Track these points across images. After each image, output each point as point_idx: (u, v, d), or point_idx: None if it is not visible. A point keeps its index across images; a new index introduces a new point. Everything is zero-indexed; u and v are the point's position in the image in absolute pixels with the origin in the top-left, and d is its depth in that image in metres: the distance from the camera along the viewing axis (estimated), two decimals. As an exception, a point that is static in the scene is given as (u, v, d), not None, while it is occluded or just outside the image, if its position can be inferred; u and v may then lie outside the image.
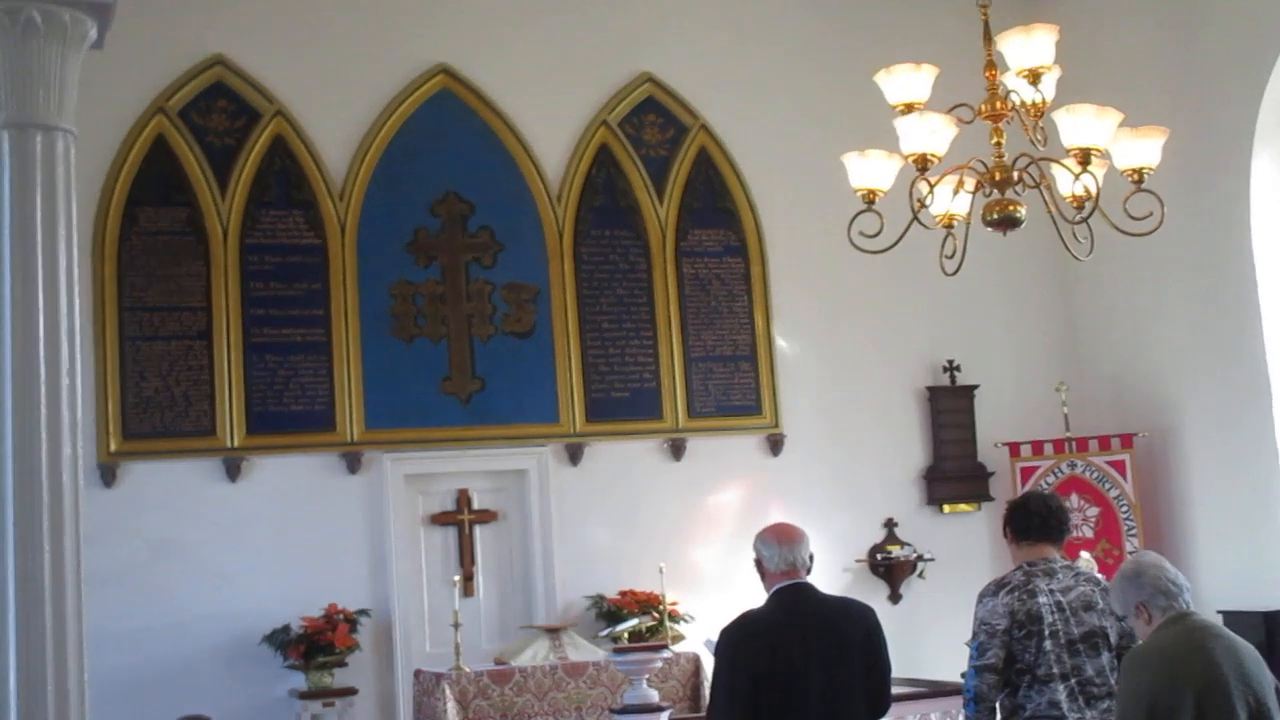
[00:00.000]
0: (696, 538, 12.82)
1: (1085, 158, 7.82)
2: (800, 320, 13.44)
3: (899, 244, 8.17)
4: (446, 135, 12.68)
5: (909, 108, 7.95)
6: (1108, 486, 12.99)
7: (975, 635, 6.90)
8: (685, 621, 12.21)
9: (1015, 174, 8.17)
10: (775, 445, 13.22)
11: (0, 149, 5.25)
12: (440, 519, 12.44)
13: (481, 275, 12.61)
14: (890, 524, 13.44)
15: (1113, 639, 6.80)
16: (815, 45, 13.59)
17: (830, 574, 12.46)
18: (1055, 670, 6.73)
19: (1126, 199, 8.00)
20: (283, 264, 12.13)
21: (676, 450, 12.95)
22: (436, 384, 12.38)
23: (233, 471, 11.81)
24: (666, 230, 13.11)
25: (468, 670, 10.85)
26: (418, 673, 11.37)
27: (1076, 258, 8.36)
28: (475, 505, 12.54)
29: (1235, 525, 12.46)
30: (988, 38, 8.30)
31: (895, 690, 7.41)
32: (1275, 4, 12.01)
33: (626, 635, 11.67)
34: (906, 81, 7.97)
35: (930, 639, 12.30)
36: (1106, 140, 7.93)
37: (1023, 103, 7.97)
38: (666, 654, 10.35)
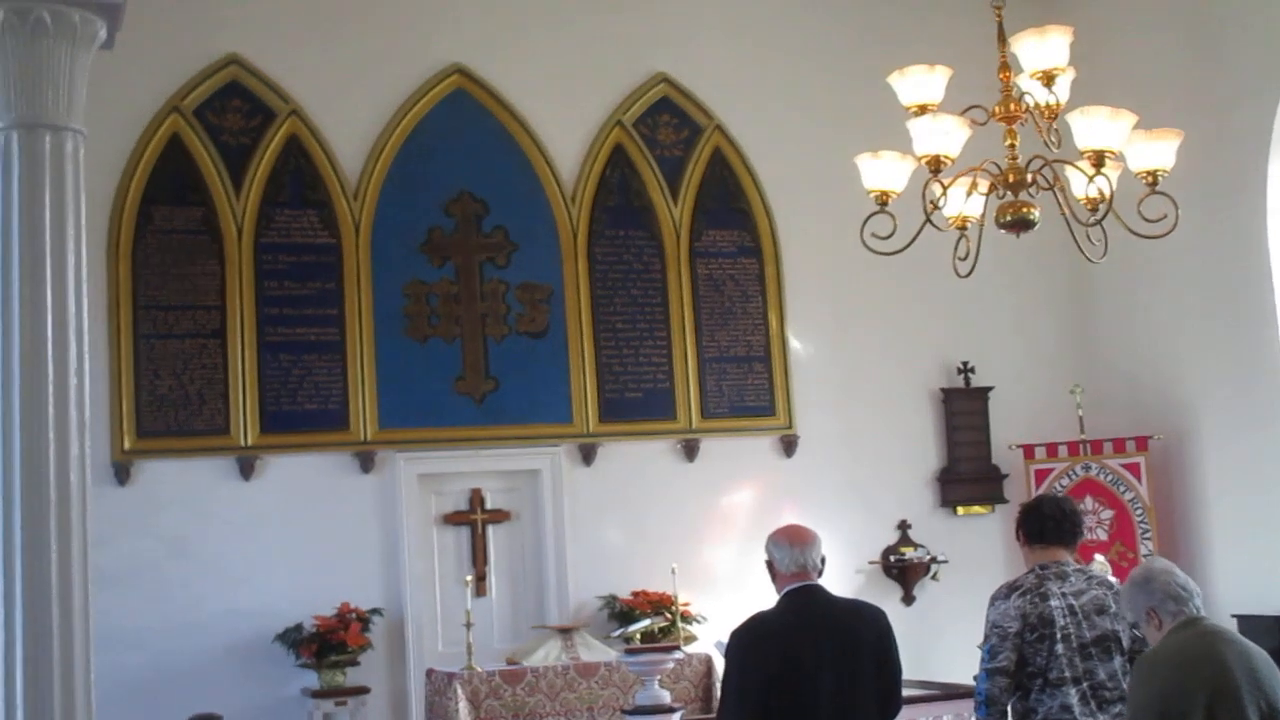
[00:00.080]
0: (709, 539, 12.81)
1: (1099, 160, 7.80)
2: (814, 321, 13.42)
3: (913, 245, 8.17)
4: (461, 135, 12.69)
5: (922, 109, 7.94)
6: (1122, 489, 12.96)
7: (987, 638, 6.88)
8: (698, 622, 12.21)
9: (1029, 176, 8.15)
10: (789, 446, 13.21)
11: (9, 149, 5.26)
12: (453, 519, 12.45)
13: (495, 275, 12.62)
14: (904, 526, 13.42)
15: (1125, 643, 6.77)
16: (830, 46, 13.58)
17: (843, 575, 12.44)
18: (1067, 674, 6.71)
19: (1141, 201, 7.97)
20: (297, 263, 12.14)
21: (690, 451, 12.94)
22: (450, 384, 12.38)
23: (246, 470, 11.82)
24: (681, 231, 13.10)
25: (480, 670, 10.85)
26: (430, 672, 11.37)
27: (1090, 260, 8.33)
28: (488, 505, 12.54)
29: (1250, 529, 12.43)
30: (1002, 39, 8.28)
31: (908, 692, 7.41)
32: (1292, 6, 12.00)
33: (638, 636, 11.66)
34: (920, 83, 7.96)
35: (944, 641, 12.29)
36: (1120, 142, 7.91)
37: (1036, 104, 7.95)
38: (678, 655, 10.35)
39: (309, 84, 12.34)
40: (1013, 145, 8.21)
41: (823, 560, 6.46)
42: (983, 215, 8.43)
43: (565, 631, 11.68)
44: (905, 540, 13.37)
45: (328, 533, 11.93)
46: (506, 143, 12.80)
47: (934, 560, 13.27)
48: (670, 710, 9.85)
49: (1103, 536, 12.87)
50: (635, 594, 12.30)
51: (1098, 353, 13.96)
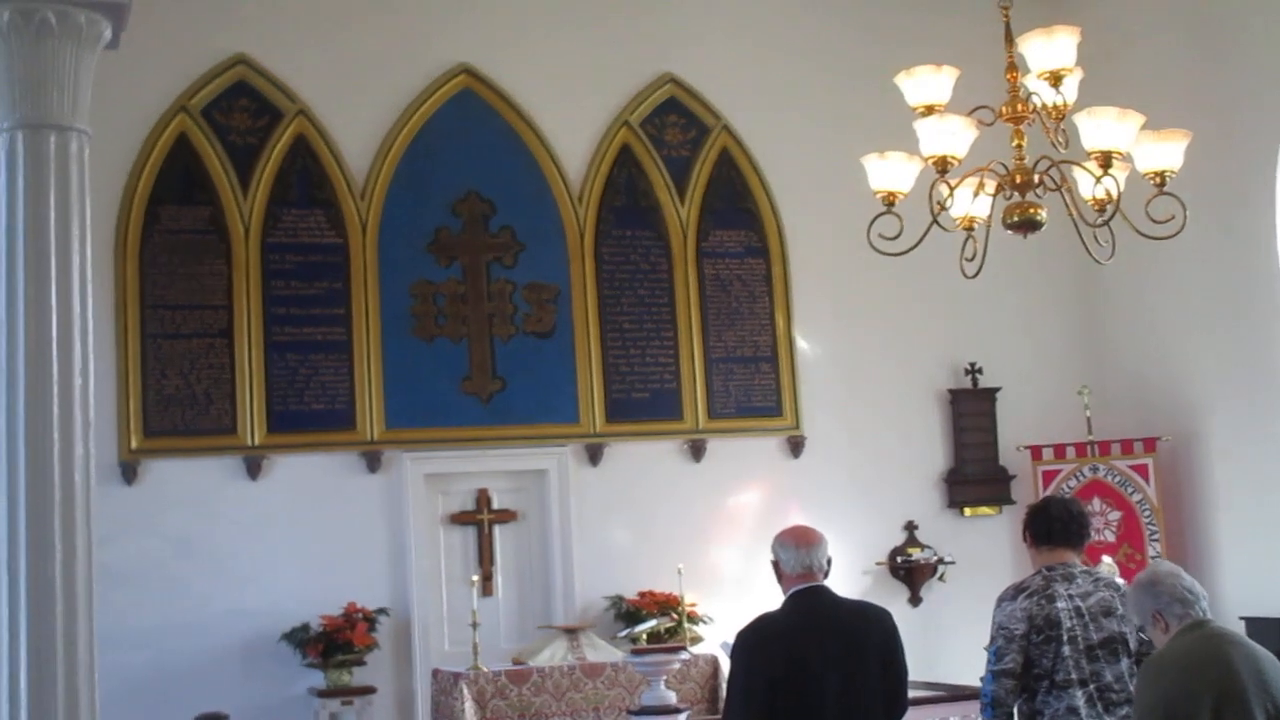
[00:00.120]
0: (716, 539, 12.81)
1: (1106, 161, 7.79)
2: (821, 322, 13.42)
3: (920, 246, 8.16)
4: (468, 135, 12.69)
5: (929, 109, 7.94)
6: (1130, 491, 12.95)
7: (993, 640, 6.87)
8: (704, 623, 12.21)
9: (1036, 177, 8.14)
10: (795, 447, 13.21)
11: (15, 149, 5.26)
12: (460, 518, 12.46)
13: (502, 275, 12.62)
14: (911, 527, 13.41)
15: (1132, 645, 6.76)
16: (837, 46, 13.56)
17: (850, 576, 12.45)
18: (1074, 676, 6.69)
19: (1148, 202, 7.97)
20: (304, 263, 12.15)
21: (696, 451, 12.94)
22: (457, 384, 12.39)
23: (253, 470, 11.82)
24: (688, 231, 13.10)
25: (486, 670, 10.84)
26: (436, 672, 11.36)
27: (1097, 261, 8.32)
28: (495, 505, 12.55)
29: (1258, 530, 12.41)
30: (1009, 39, 8.27)
31: (914, 694, 7.39)
32: (1301, 6, 11.99)
33: (645, 636, 11.64)
34: (927, 83, 7.95)
35: (950, 642, 12.28)
36: (1128, 143, 7.90)
37: (1044, 105, 7.94)
38: (684, 655, 10.34)
39: (316, 84, 12.35)
40: (1020, 146, 8.20)
41: (829, 561, 6.44)
42: (990, 216, 8.41)
43: (571, 632, 11.66)
44: (912, 541, 13.36)
45: (334, 532, 11.94)
46: (514, 143, 12.80)
47: (941, 561, 13.26)
48: (676, 711, 9.84)
49: (1110, 538, 12.86)
50: (642, 594, 12.30)
51: (1106, 354, 13.95)
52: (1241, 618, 11.56)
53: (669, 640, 11.59)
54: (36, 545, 5.10)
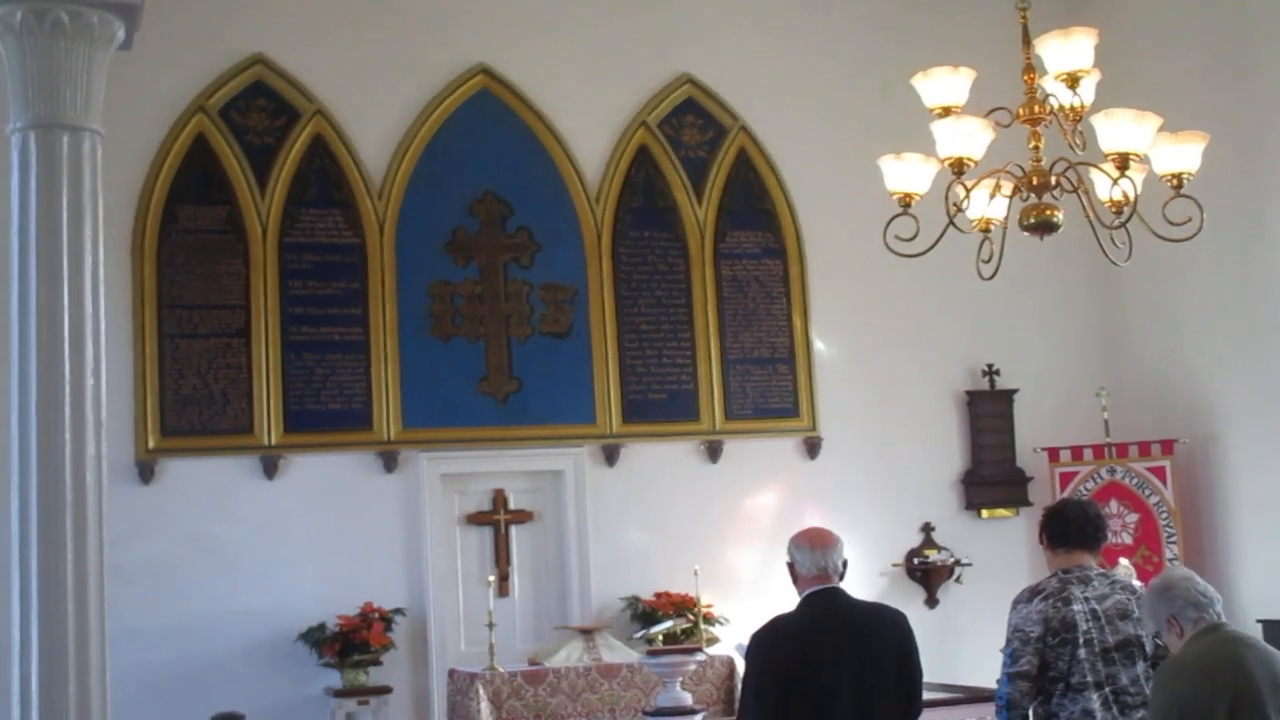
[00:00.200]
0: (732, 540, 12.79)
1: (1123, 163, 7.77)
2: (839, 323, 13.40)
3: (938, 248, 8.15)
4: (485, 135, 12.69)
5: (946, 111, 7.92)
6: (1147, 493, 12.92)
7: (1009, 642, 6.86)
8: (720, 624, 12.21)
9: (1053, 178, 8.13)
10: (812, 448, 13.20)
11: (27, 149, 5.27)
12: (476, 519, 12.46)
13: (519, 275, 12.62)
14: (928, 528, 13.39)
15: (1148, 648, 6.75)
16: (854, 48, 13.55)
17: (867, 578, 12.44)
18: (1089, 678, 6.69)
19: (1165, 204, 7.95)
20: (321, 263, 12.15)
21: (713, 452, 12.93)
22: (473, 384, 12.39)
23: (270, 469, 11.83)
24: (705, 231, 13.09)
25: (502, 670, 10.84)
26: (452, 672, 11.36)
27: (1114, 263, 8.30)
28: (511, 505, 12.55)
29: (1275, 533, 12.38)
30: (1026, 41, 8.25)
31: (931, 695, 7.38)
32: (1320, 8, 11.96)
33: (661, 637, 11.64)
34: (944, 84, 7.94)
35: (967, 644, 12.27)
36: (1145, 145, 7.87)
37: (1061, 106, 7.93)
38: (700, 657, 10.33)
39: (334, 84, 12.36)
40: (1037, 147, 8.18)
41: (844, 564, 6.44)
42: (1006, 218, 8.39)
43: (587, 632, 11.66)
44: (929, 543, 13.34)
45: (351, 532, 11.94)
46: (531, 143, 12.80)
47: (958, 563, 13.24)
48: (692, 712, 9.83)
49: (1128, 540, 12.83)
50: (658, 595, 12.30)
51: (1123, 356, 13.92)
52: (1259, 620, 11.54)
53: (685, 641, 11.59)
54: (48, 545, 5.10)
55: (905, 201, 8.16)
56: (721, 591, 12.33)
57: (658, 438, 12.81)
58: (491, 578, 11.82)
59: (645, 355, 12.82)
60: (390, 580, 11.95)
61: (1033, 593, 6.88)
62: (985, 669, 10.14)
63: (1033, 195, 8.15)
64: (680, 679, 9.97)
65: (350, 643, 11.41)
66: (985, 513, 13.59)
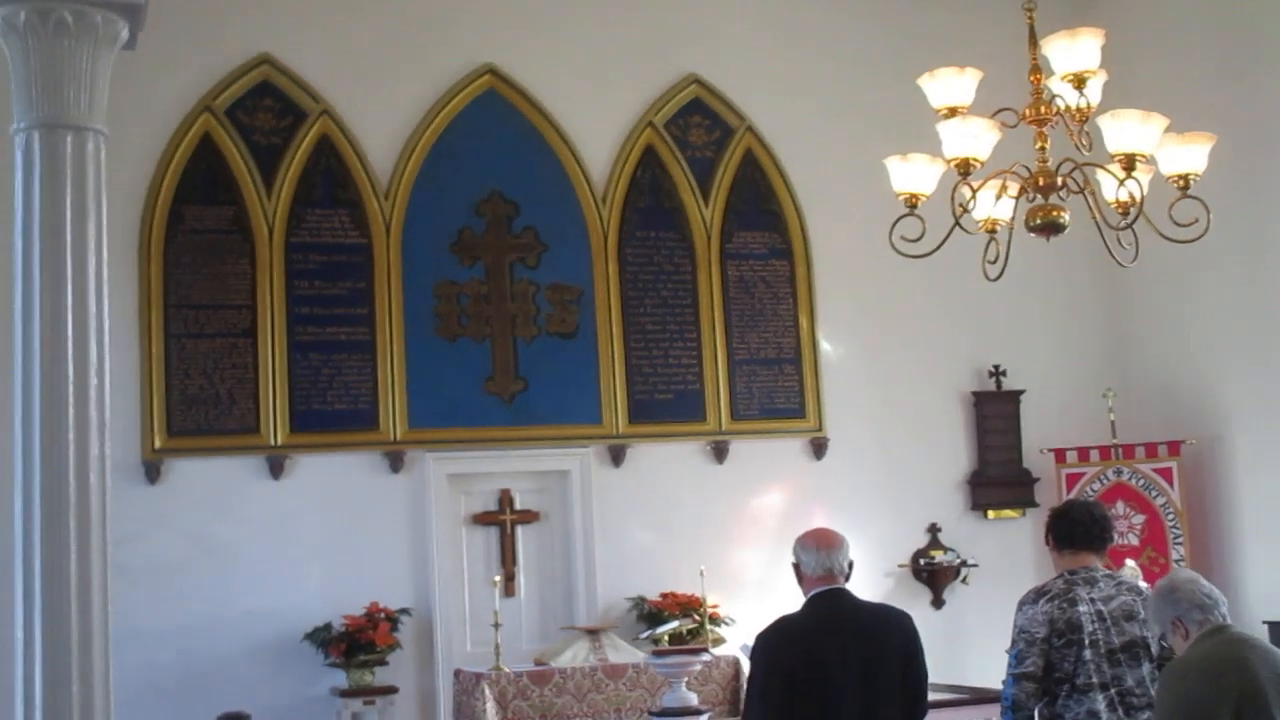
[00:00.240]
0: (738, 541, 12.79)
1: (1130, 163, 7.76)
2: (845, 323, 13.40)
3: (945, 248, 8.14)
4: (492, 135, 12.68)
5: (952, 111, 7.92)
6: (1154, 494, 12.91)
7: (1014, 643, 6.86)
8: (726, 624, 12.19)
9: (1059, 179, 8.12)
10: (819, 449, 13.19)
11: (31, 149, 5.26)
12: (482, 519, 12.45)
13: (525, 275, 12.62)
14: (934, 529, 13.39)
15: (1154, 649, 6.74)
16: (861, 48, 13.55)
17: (873, 579, 12.43)
18: (1095, 680, 6.68)
19: (1172, 205, 7.94)
20: (327, 263, 12.15)
21: (719, 453, 12.92)
22: (480, 384, 12.39)
23: (276, 469, 11.84)
24: (711, 232, 13.09)
25: (507, 670, 10.86)
26: (458, 672, 11.38)
27: (1120, 264, 8.30)
28: (517, 505, 12.55)
29: (1282, 534, 12.39)
30: (1033, 41, 8.25)
31: (937, 696, 7.38)
32: (1328, 9, 11.94)
33: (667, 637, 11.65)
34: (950, 85, 7.94)
35: (973, 645, 12.26)
36: (1152, 146, 7.86)
37: (1067, 107, 7.92)
38: (706, 657, 10.34)
39: (340, 84, 12.36)
40: (1043, 148, 8.18)
41: (850, 564, 6.43)
42: (1012, 218, 8.39)
43: (593, 633, 11.67)
44: (935, 544, 13.34)
45: (357, 532, 11.95)
46: (537, 143, 12.80)
47: (964, 564, 13.24)
48: (698, 712, 9.83)
49: (1134, 541, 12.82)
50: (664, 595, 12.29)
51: (1130, 356, 13.90)
52: (1265, 621, 11.53)
53: (691, 642, 11.60)
54: (52, 545, 5.10)
55: (911, 202, 8.15)
56: (727, 592, 12.32)
57: (664, 438, 12.80)
58: (497, 578, 11.80)
59: (651, 355, 12.82)
60: (396, 580, 11.95)
61: (1038, 594, 6.87)
62: (991, 670, 10.12)
63: (1039, 196, 8.14)
64: (686, 679, 9.96)
65: (356, 643, 11.42)
66: (991, 514, 13.58)
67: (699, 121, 13.28)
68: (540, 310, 12.60)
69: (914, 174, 8.20)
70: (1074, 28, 7.79)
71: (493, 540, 12.46)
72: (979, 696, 10.29)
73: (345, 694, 11.42)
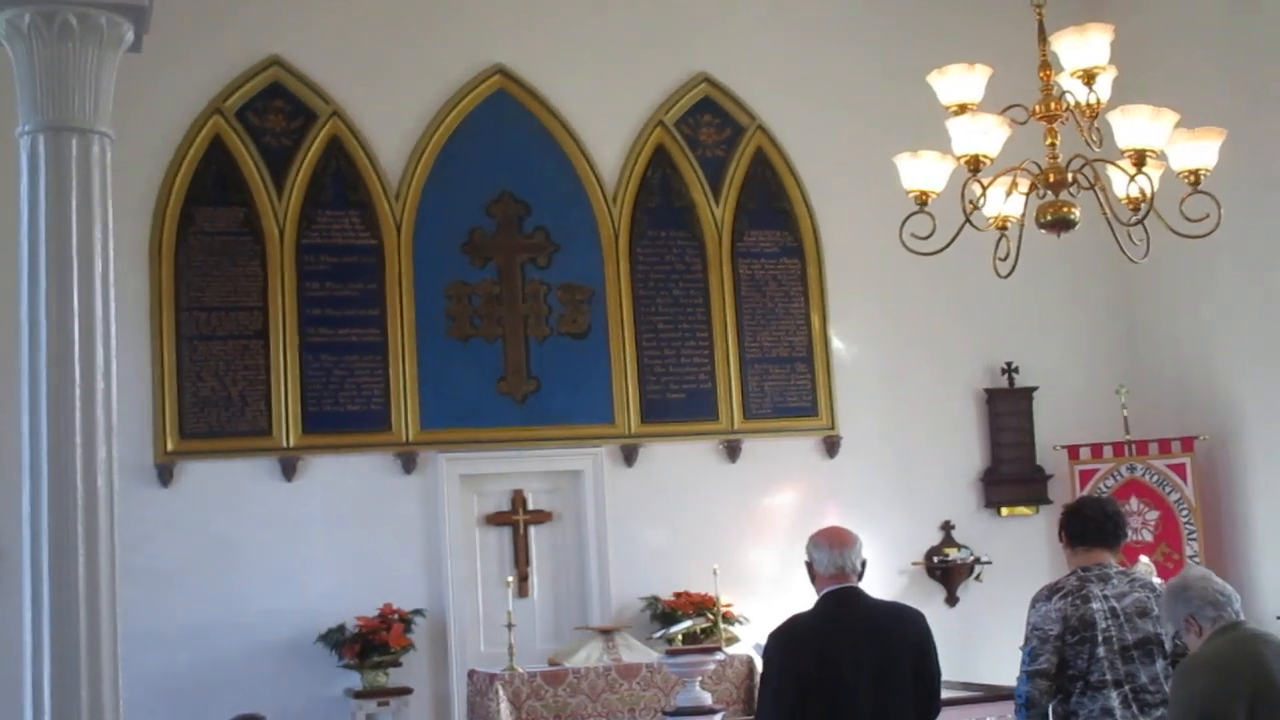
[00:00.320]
0: (752, 540, 12.78)
1: (1140, 159, 7.74)
2: (857, 321, 13.39)
3: (956, 245, 8.13)
4: (502, 135, 12.68)
5: (962, 108, 7.90)
6: (1168, 490, 12.89)
7: (1027, 640, 6.85)
8: (740, 623, 12.19)
9: (1069, 175, 8.09)
10: (831, 447, 13.18)
11: (36, 152, 5.26)
12: (495, 519, 12.46)
13: (537, 276, 12.61)
14: (947, 526, 13.37)
15: (1168, 646, 6.73)
16: (872, 45, 13.54)
17: (886, 576, 12.43)
18: (1108, 677, 6.67)
19: (1183, 201, 7.92)
20: (338, 264, 12.16)
21: (732, 452, 12.91)
22: (492, 384, 12.39)
23: (288, 471, 11.84)
24: (722, 231, 13.08)
25: (521, 671, 10.85)
26: (471, 673, 11.37)
27: (1131, 260, 8.28)
28: (530, 506, 12.55)
29: (1297, 530, 12.36)
30: (1042, 38, 8.23)
31: (951, 694, 7.37)
32: (1339, 2, 11.92)
33: (680, 637, 11.63)
34: (959, 82, 7.92)
35: (987, 642, 12.25)
36: (1162, 142, 7.84)
37: (1077, 103, 7.89)
38: (720, 656, 10.33)
39: (350, 85, 12.36)
40: (1053, 144, 8.15)
41: (863, 563, 6.43)
42: (1023, 215, 8.37)
43: (607, 632, 11.66)
44: (949, 541, 13.32)
45: (370, 533, 11.96)
46: (548, 143, 12.80)
47: (977, 561, 13.22)
48: (711, 712, 9.83)
49: (1148, 538, 12.80)
50: (677, 595, 12.28)
51: (1143, 353, 13.88)
52: (1279, 617, 11.49)
53: (704, 641, 11.58)
54: (59, 548, 5.10)
55: (921, 199, 8.14)
56: (741, 591, 12.32)
57: (676, 437, 12.80)
58: (511, 578, 11.81)
59: (663, 355, 12.82)
60: (409, 581, 11.96)
61: (1052, 591, 6.87)
62: (1005, 667, 10.09)
63: (1049, 192, 8.12)
64: (700, 678, 9.97)
65: (370, 644, 11.42)
66: (1005, 511, 13.56)
67: (709, 120, 13.28)
68: (552, 310, 12.60)
69: (924, 171, 8.19)
70: (1083, 24, 7.77)
71: (506, 541, 12.46)
72: (993, 694, 10.26)
73: (359, 695, 11.43)
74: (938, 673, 6.37)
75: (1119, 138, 7.80)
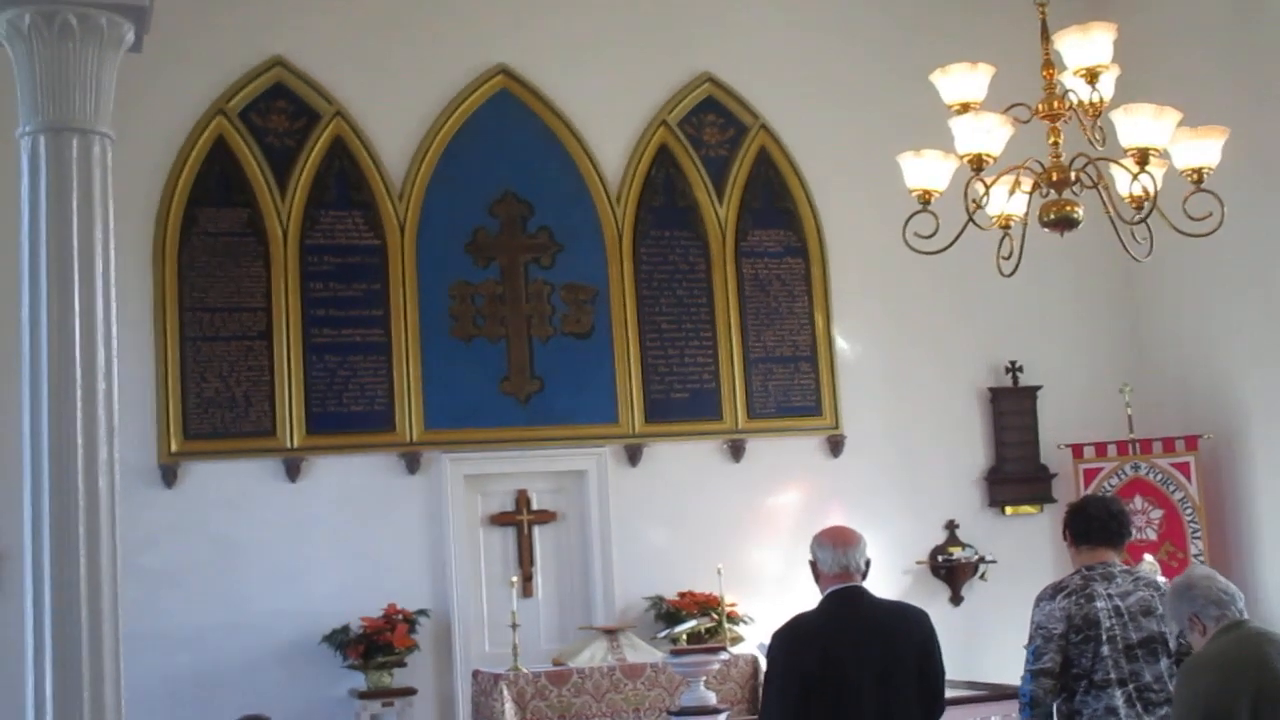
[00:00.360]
0: (756, 539, 12.77)
1: (1143, 158, 7.74)
2: (861, 321, 13.38)
3: (959, 245, 8.14)
4: (505, 135, 12.68)
5: (965, 107, 7.91)
6: (1172, 489, 12.88)
7: (1031, 639, 6.86)
8: (744, 623, 12.19)
9: (1072, 174, 8.10)
10: (835, 446, 13.17)
11: (37, 152, 5.26)
12: (499, 519, 12.45)
13: (540, 276, 12.61)
14: (952, 526, 13.36)
15: (1172, 645, 6.73)
16: (875, 44, 13.53)
17: (891, 576, 12.41)
18: (1113, 675, 6.68)
19: (1186, 199, 7.92)
20: (342, 264, 12.16)
21: (736, 451, 12.91)
22: (495, 384, 12.39)
23: (292, 472, 11.84)
24: (726, 230, 13.07)
25: (526, 671, 10.86)
26: (476, 673, 11.38)
27: (1135, 258, 8.28)
28: (534, 506, 12.54)
29: (1301, 528, 12.35)
30: (1045, 36, 8.24)
31: (956, 693, 7.37)
32: (1342, 0, 11.91)
33: (685, 637, 11.64)
34: (962, 81, 7.92)
35: (992, 642, 12.22)
36: (1165, 140, 7.84)
37: (1080, 102, 7.90)
38: (724, 656, 10.34)
39: (353, 85, 12.36)
40: (1056, 143, 8.16)
41: (867, 563, 6.44)
42: (1026, 214, 8.37)
43: (611, 632, 11.66)
44: (953, 540, 13.32)
45: (374, 534, 11.95)
46: (551, 143, 12.79)
47: (982, 560, 13.22)
48: (716, 711, 9.83)
49: (1152, 536, 12.79)
50: (681, 595, 12.28)
51: (1147, 351, 13.87)
52: (1285, 616, 11.52)
53: (709, 641, 11.60)
54: (61, 550, 5.09)
55: (924, 198, 8.15)
56: (745, 590, 12.31)
57: (680, 437, 12.79)
58: (515, 578, 11.80)
59: (667, 355, 12.81)
60: (414, 582, 11.95)
61: (1056, 590, 6.88)
62: (1010, 666, 10.10)
63: (1052, 191, 8.13)
64: (704, 678, 9.97)
65: (374, 644, 11.42)
66: (1009, 510, 13.55)
67: (713, 120, 13.27)
68: (555, 310, 12.59)
69: (927, 170, 8.19)
70: (1086, 22, 7.79)
71: (510, 541, 12.46)
72: (997, 693, 10.28)
73: (364, 696, 11.42)
74: (942, 672, 6.37)
75: (1122, 136, 7.81)
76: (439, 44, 12.60)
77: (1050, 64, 8.21)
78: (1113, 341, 13.94)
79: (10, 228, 5.59)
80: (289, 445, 11.84)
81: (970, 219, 8.04)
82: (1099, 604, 6.72)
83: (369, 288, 12.17)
